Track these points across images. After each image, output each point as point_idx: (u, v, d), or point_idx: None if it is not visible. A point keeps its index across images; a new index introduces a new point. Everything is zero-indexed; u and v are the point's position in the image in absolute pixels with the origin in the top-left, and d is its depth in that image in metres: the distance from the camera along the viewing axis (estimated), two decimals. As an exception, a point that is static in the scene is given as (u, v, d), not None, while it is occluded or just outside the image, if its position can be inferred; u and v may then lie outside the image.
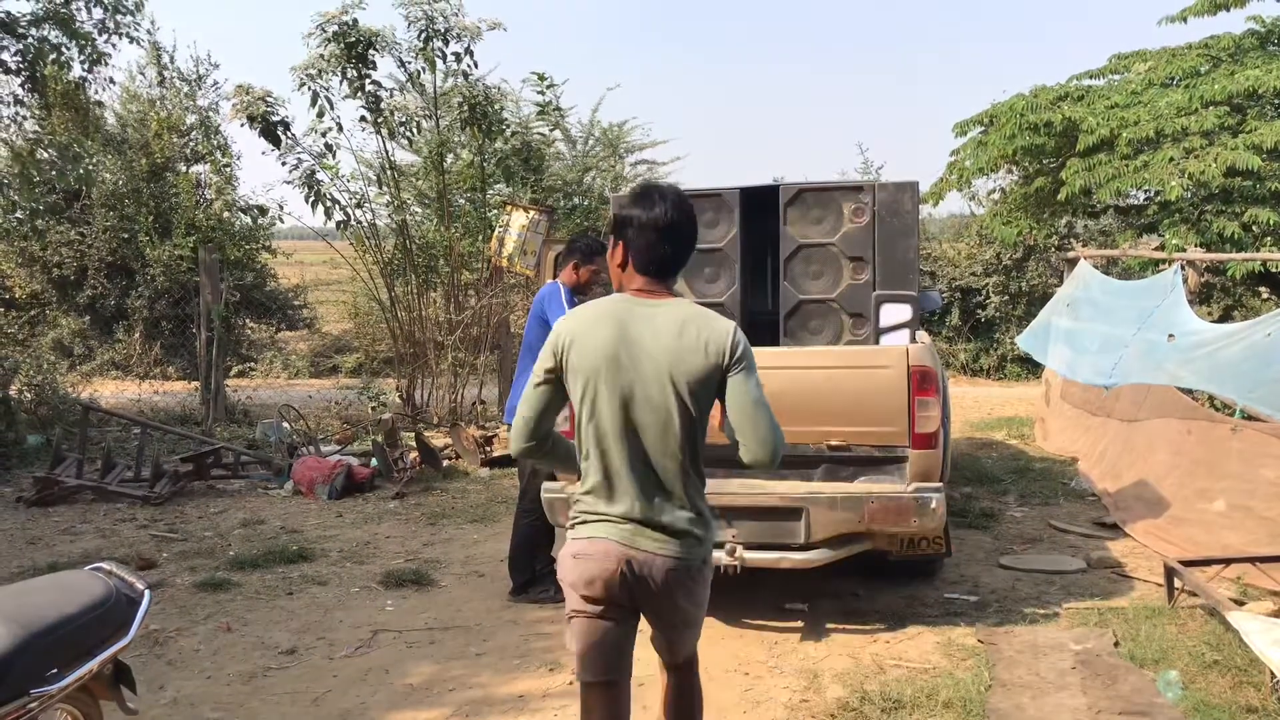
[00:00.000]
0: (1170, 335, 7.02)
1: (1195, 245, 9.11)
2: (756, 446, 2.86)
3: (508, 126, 12.23)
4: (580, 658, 2.90)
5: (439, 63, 11.05)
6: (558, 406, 2.92)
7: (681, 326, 2.80)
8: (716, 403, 2.87)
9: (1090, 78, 12.39)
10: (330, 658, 5.01)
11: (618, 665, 2.90)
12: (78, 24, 10.77)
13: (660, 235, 2.85)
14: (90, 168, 15.39)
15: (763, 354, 5.28)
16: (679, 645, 3.02)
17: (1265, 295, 12.99)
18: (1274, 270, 9.72)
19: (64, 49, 10.74)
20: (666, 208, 2.86)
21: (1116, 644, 4.88)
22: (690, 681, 3.11)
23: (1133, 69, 11.77)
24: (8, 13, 10.44)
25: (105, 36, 11.13)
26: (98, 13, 10.95)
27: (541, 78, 12.08)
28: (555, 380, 2.87)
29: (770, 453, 2.86)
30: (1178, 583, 5.39)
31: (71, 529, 7.52)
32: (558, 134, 16.06)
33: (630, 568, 2.79)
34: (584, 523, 2.89)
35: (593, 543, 2.84)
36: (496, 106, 11.65)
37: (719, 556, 4.91)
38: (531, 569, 5.85)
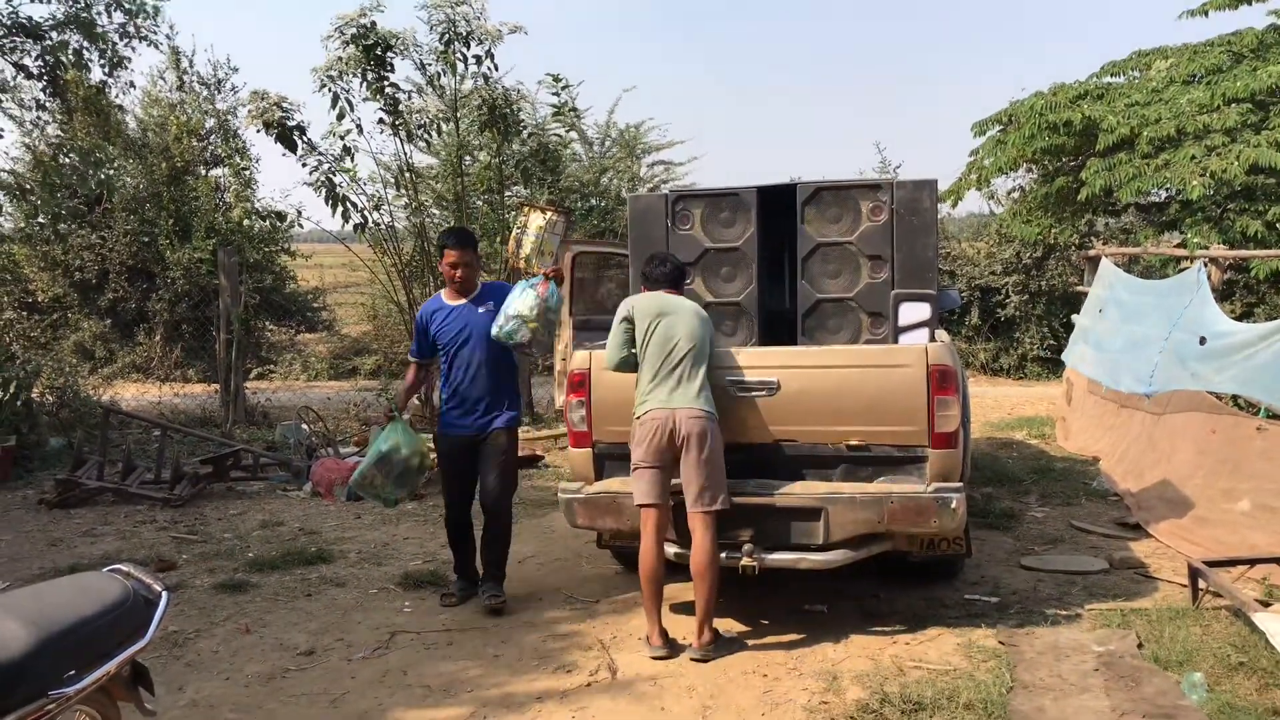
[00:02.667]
0: (1202, 339, 6.95)
1: (1218, 243, 9.02)
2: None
3: (525, 128, 12.23)
4: (638, 492, 4.96)
5: (459, 66, 11.08)
6: (632, 342, 5.11)
7: (685, 299, 5.24)
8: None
9: (1110, 75, 12.28)
10: (349, 659, 5.01)
11: (659, 495, 4.94)
12: (99, 28, 10.85)
13: (663, 272, 5.29)
14: (111, 172, 15.52)
15: (781, 353, 5.30)
16: (704, 479, 4.86)
17: (1289, 293, 12.86)
18: (1299, 268, 9.60)
19: (85, 52, 10.81)
20: (663, 259, 5.37)
21: (1140, 645, 4.83)
22: (707, 539, 4.86)
23: (1153, 66, 11.66)
24: (29, 18, 10.52)
25: (125, 40, 11.21)
26: (118, 17, 11.03)
27: (556, 79, 12.09)
28: (629, 325, 5.11)
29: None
30: (1202, 583, 5.33)
31: (92, 531, 7.56)
32: (574, 135, 16.08)
33: (670, 422, 4.87)
34: (643, 403, 4.99)
35: (649, 414, 4.94)
36: (515, 108, 11.66)
37: (736, 556, 4.97)
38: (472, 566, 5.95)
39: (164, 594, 3.19)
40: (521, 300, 5.49)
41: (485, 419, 5.65)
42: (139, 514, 8.02)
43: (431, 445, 6.22)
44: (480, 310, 5.64)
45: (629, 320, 5.13)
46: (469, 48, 10.93)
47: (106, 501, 8.35)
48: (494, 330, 5.53)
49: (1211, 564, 5.43)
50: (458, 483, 5.79)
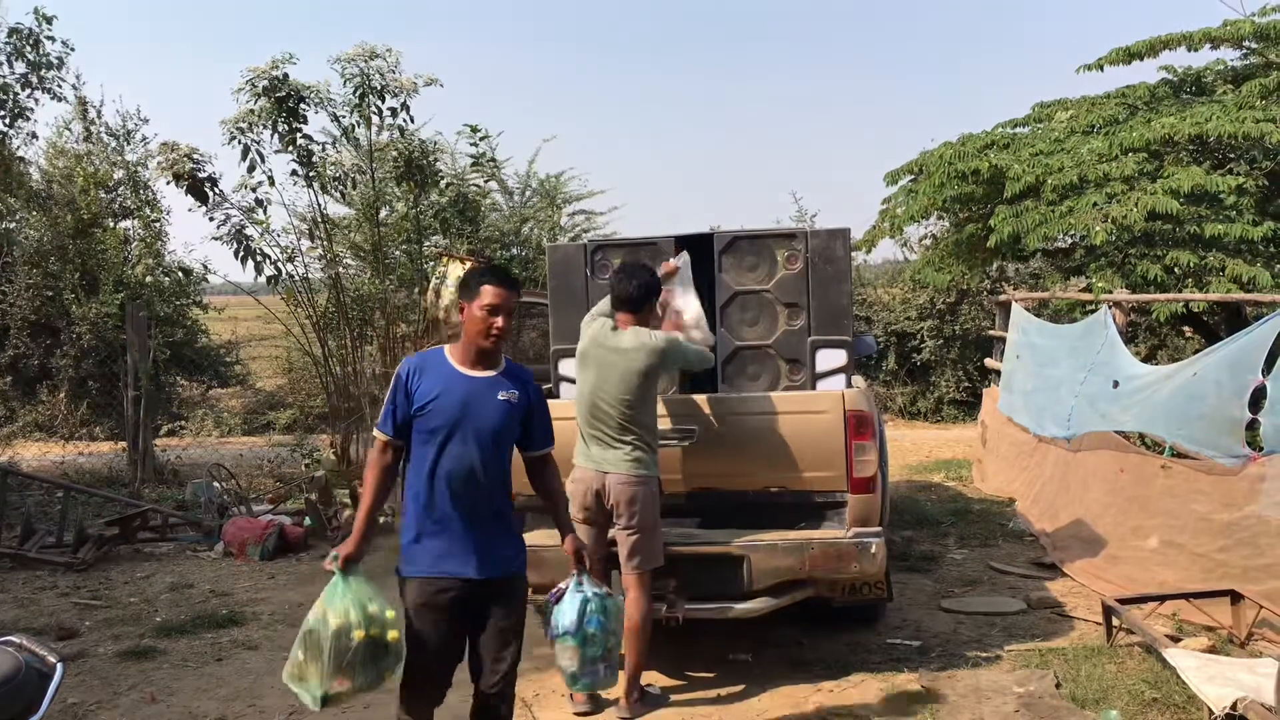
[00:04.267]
0: (1115, 382, 7.17)
1: (1121, 287, 9.31)
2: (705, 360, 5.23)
3: (443, 179, 12.19)
4: None
5: (374, 118, 11.02)
6: None
7: (633, 339, 4.85)
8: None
9: (1015, 125, 12.68)
10: (260, 726, 4.83)
11: (597, 549, 4.84)
12: (-1, 78, 10.58)
13: (625, 292, 4.96)
14: (12, 225, 15.05)
15: (701, 401, 5.30)
16: (634, 544, 4.74)
17: (1189, 334, 13.33)
18: (1196, 311, 9.95)
19: (-17, 103, 10.53)
20: (631, 272, 5.03)
21: (1058, 685, 4.89)
22: (640, 597, 4.76)
23: (1055, 117, 12.07)
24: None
25: (28, 91, 10.93)
26: (20, 67, 10.75)
27: (475, 129, 12.09)
28: None
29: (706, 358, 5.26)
30: (1115, 621, 5.44)
31: (-12, 599, 7.22)
32: (494, 185, 16.07)
33: (598, 484, 4.79)
34: (574, 459, 4.89)
35: (577, 473, 4.86)
36: (432, 159, 11.62)
37: (659, 608, 4.90)
38: None
39: (59, 666, 3.05)
40: (611, 618, 4.13)
41: (487, 556, 3.70)
42: (39, 580, 7.68)
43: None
44: (500, 395, 3.74)
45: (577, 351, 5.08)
46: (384, 100, 10.89)
47: (4, 568, 7.98)
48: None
49: (1123, 601, 5.55)
50: (435, 660, 3.74)
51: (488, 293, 3.72)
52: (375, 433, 3.79)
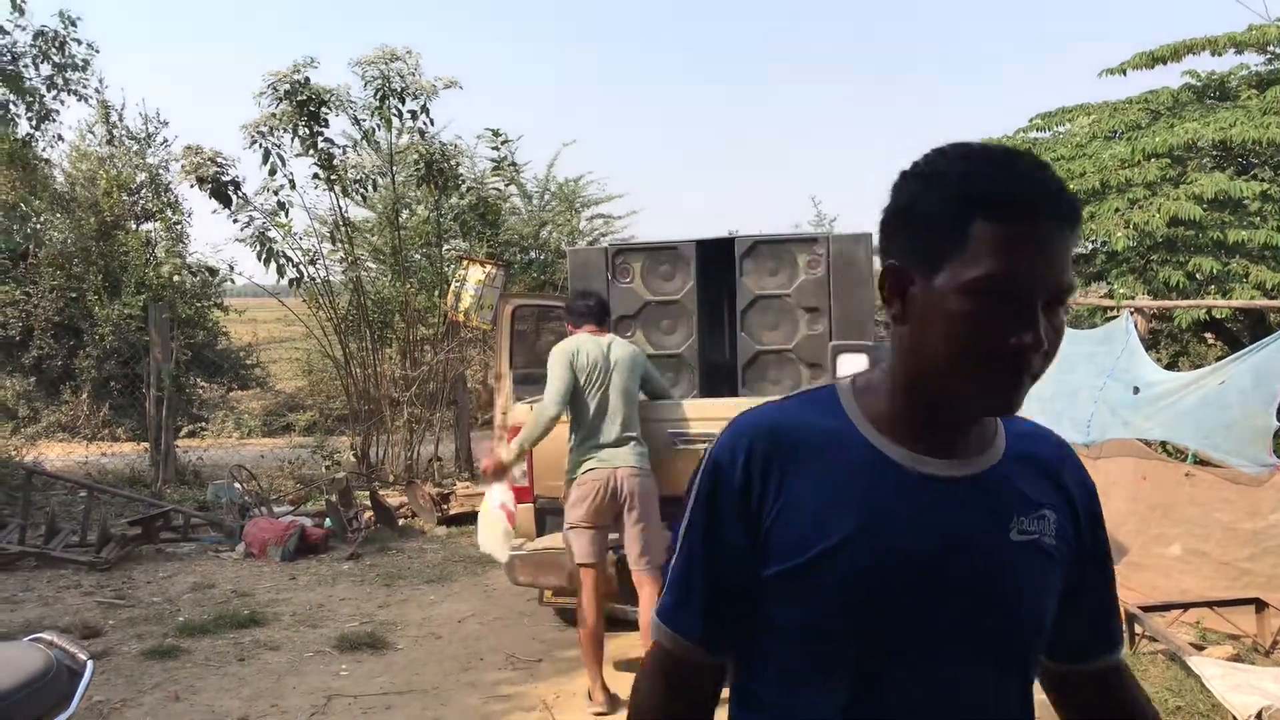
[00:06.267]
0: (1135, 389, 7.14)
1: (1143, 293, 9.26)
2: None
3: (463, 182, 12.25)
4: (578, 551, 4.88)
5: (394, 120, 11.08)
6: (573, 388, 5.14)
7: (621, 343, 5.19)
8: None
9: (1035, 130, 12.65)
10: (282, 726, 4.85)
11: (598, 554, 4.92)
12: (26, 81, 10.68)
13: (587, 306, 5.21)
14: (37, 227, 15.20)
15: (722, 405, 5.31)
16: (648, 538, 4.87)
17: (1211, 341, 13.24)
18: (1219, 317, 9.90)
19: (11, 105, 10.63)
20: (586, 292, 5.37)
21: (1081, 692, 4.86)
22: (656, 597, 4.73)
23: (1076, 122, 12.03)
24: (-47, 73, 10.34)
25: (54, 93, 11.04)
26: (45, 69, 10.87)
27: (496, 133, 12.14)
28: (573, 373, 5.05)
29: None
30: (1138, 628, 5.40)
31: (13, 597, 7.28)
32: (513, 189, 16.13)
33: (611, 482, 4.85)
34: (581, 463, 4.92)
35: (589, 474, 4.87)
36: (452, 163, 11.68)
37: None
38: None
39: (89, 663, 3.07)
40: None
41: None
42: (63, 579, 7.74)
43: None
44: (1017, 532, 1.28)
45: (573, 370, 5.00)
46: (404, 103, 10.95)
47: (29, 566, 8.05)
48: None
49: (1147, 609, 5.51)
50: None
51: (991, 246, 1.16)
52: (656, 627, 1.39)
